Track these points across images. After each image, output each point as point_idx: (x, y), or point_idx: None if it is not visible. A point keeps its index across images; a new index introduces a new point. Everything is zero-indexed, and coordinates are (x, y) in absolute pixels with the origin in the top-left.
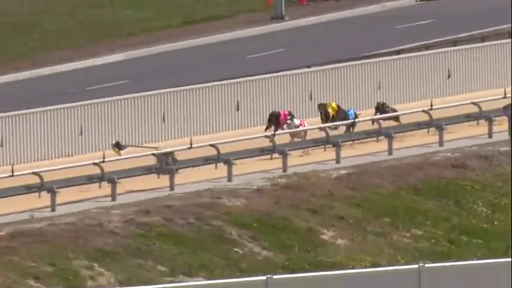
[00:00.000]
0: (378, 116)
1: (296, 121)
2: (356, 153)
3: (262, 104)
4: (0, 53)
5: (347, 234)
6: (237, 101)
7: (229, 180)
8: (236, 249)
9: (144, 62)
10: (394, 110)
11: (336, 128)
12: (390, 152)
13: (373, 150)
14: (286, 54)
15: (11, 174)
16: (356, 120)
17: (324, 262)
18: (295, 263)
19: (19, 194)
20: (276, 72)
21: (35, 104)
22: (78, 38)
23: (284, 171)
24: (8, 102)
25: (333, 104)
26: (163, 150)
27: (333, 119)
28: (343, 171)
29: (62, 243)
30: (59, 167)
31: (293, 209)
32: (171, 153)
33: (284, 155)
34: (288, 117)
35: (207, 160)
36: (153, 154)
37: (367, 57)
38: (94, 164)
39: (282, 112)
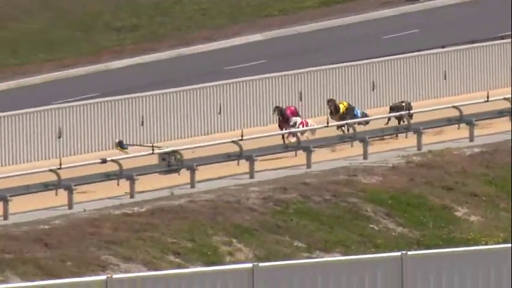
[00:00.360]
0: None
1: (298, 119)
2: (489, 132)
3: (398, 84)
4: (143, 34)
5: (480, 211)
6: (373, 82)
7: (365, 158)
8: (371, 226)
9: (282, 42)
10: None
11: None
12: None
13: (505, 129)
14: (419, 34)
15: (151, 152)
16: (367, 118)
17: (457, 238)
18: (429, 239)
19: (159, 172)
20: (411, 52)
21: (176, 84)
22: (219, 18)
23: (419, 149)
24: (149, 82)
25: (345, 103)
26: (166, 150)
27: (343, 116)
28: (476, 150)
29: (201, 220)
30: (198, 145)
31: (427, 187)
32: (174, 153)
33: (419, 134)
34: (291, 122)
35: (342, 139)
36: (152, 153)
37: (502, 37)
38: (233, 142)
39: (288, 109)
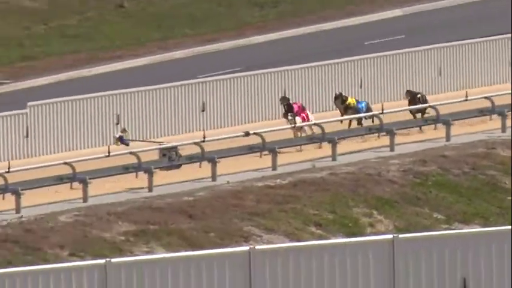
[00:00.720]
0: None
1: (298, 119)
2: None
3: None
4: (285, 10)
5: None
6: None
7: (503, 131)
8: (510, 198)
9: (421, 17)
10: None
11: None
12: None
13: None
14: None
15: (293, 125)
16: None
17: None
18: None
19: (302, 144)
20: None
21: (318, 58)
22: None
23: None
24: (291, 56)
25: (353, 99)
26: (167, 145)
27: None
28: None
29: (342, 192)
30: (337, 118)
31: None
32: (174, 148)
33: None
34: (289, 115)
35: (481, 112)
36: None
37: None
38: (373, 116)
39: (294, 105)
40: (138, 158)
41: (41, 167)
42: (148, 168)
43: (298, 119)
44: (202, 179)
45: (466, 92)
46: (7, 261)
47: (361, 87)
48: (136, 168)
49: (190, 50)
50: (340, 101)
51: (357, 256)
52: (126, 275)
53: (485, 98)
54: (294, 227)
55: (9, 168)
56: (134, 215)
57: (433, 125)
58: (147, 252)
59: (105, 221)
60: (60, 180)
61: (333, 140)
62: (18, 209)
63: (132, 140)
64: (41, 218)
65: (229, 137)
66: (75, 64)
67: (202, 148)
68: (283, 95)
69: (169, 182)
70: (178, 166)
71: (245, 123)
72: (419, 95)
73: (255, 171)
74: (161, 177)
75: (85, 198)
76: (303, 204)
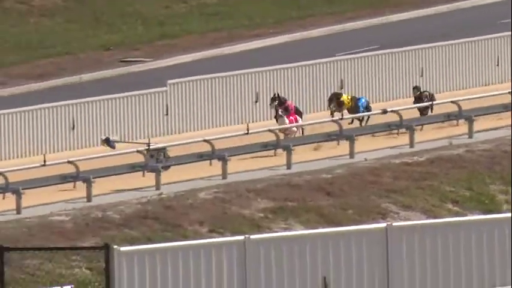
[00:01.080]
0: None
1: (286, 120)
2: None
3: None
4: None
5: None
6: None
7: None
8: None
9: None
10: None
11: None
12: None
13: None
14: None
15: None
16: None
17: None
18: None
19: (438, 122)
20: None
21: (454, 36)
22: None
23: None
24: (429, 34)
25: (348, 97)
26: (155, 146)
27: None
28: None
29: (479, 169)
30: (474, 96)
31: None
32: (163, 149)
33: None
34: (280, 111)
35: None
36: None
37: None
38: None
39: (289, 103)
40: (276, 135)
41: (179, 144)
42: (287, 146)
43: (285, 120)
44: (340, 156)
45: None
46: (147, 237)
47: (497, 65)
48: (275, 145)
49: (328, 28)
50: (335, 100)
51: (494, 232)
52: (265, 251)
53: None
54: (431, 204)
55: (148, 145)
56: (273, 192)
57: None
58: (285, 229)
59: (244, 198)
60: (200, 157)
61: (469, 118)
62: (158, 186)
63: (119, 142)
64: (181, 194)
65: (366, 114)
66: (215, 42)
67: (340, 126)
68: (275, 94)
69: (307, 159)
70: (167, 167)
71: (382, 101)
72: (425, 92)
73: (392, 148)
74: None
75: (224, 175)
76: (439, 181)
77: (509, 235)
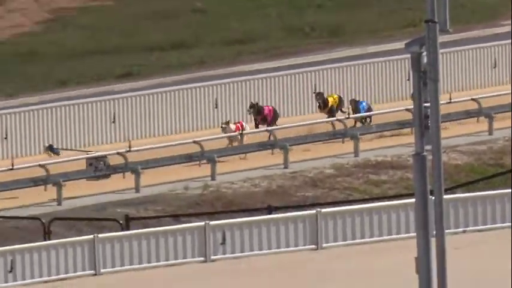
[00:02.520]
0: None
1: (232, 126)
2: None
3: None
4: None
5: None
6: None
7: None
8: None
9: None
10: None
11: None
12: None
13: None
14: None
15: None
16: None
17: None
18: None
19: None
20: None
21: None
22: None
23: None
24: None
25: (335, 96)
26: (95, 154)
27: (331, 110)
28: None
29: None
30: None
31: None
32: (103, 158)
33: None
34: (222, 124)
35: None
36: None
37: None
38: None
39: (266, 108)
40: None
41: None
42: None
43: (232, 126)
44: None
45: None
46: None
47: None
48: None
49: None
50: (321, 101)
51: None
52: None
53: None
54: None
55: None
56: None
57: None
58: None
59: None
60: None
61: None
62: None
63: (62, 149)
64: None
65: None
66: None
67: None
68: (252, 103)
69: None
70: (107, 176)
71: None
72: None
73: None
74: (87, 186)
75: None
76: None
77: None
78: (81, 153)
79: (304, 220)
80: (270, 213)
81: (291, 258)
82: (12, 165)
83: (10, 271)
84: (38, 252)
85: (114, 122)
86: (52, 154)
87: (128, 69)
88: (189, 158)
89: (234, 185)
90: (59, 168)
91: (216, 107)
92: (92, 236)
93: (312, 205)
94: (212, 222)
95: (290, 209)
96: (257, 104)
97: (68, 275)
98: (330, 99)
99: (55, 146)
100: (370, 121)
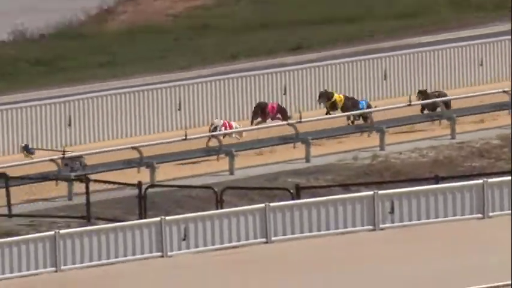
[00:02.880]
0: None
1: (219, 121)
2: None
3: None
4: None
5: None
6: None
7: None
8: None
9: None
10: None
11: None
12: None
13: None
14: None
15: None
16: (370, 110)
17: None
18: None
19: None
20: None
21: None
22: None
23: None
24: None
25: (341, 96)
26: (71, 154)
27: (334, 109)
28: None
29: None
30: None
31: None
32: (79, 158)
33: None
34: (224, 126)
35: None
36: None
37: None
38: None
39: (270, 104)
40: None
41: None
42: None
43: (219, 121)
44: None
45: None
46: None
47: None
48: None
49: None
50: (325, 98)
51: None
52: None
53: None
54: None
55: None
56: None
57: None
58: None
59: None
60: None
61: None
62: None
63: (37, 149)
64: None
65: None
66: None
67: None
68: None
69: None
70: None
71: None
72: (436, 93)
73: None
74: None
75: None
76: None
77: None
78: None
79: (471, 190)
80: (437, 183)
81: (458, 227)
82: (186, 135)
83: (184, 239)
84: (211, 221)
85: (285, 93)
86: (28, 154)
87: (298, 42)
88: (359, 128)
89: (402, 155)
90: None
91: (385, 79)
92: (263, 205)
93: (479, 175)
94: (381, 192)
95: (457, 179)
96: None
97: (240, 243)
98: (336, 98)
99: (30, 146)
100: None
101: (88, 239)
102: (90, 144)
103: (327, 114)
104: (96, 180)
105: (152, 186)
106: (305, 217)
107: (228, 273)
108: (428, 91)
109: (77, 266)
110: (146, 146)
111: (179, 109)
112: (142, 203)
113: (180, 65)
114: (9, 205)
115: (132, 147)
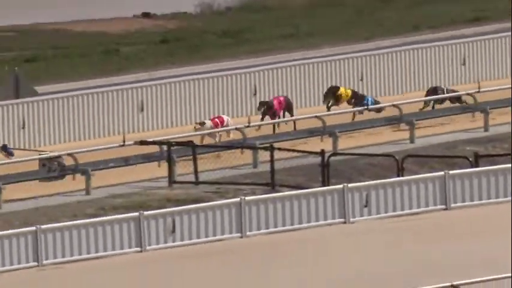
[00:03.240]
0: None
1: (208, 122)
2: None
3: None
4: None
5: None
6: None
7: None
8: None
9: None
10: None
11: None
12: None
13: None
14: None
15: None
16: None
17: None
18: None
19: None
20: None
21: None
22: None
23: None
24: None
25: (348, 90)
26: (48, 155)
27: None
28: None
29: None
30: None
31: None
32: (57, 158)
33: None
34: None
35: None
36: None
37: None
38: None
39: (276, 100)
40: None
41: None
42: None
43: (208, 123)
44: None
45: None
46: None
47: None
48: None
49: None
50: (331, 95)
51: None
52: None
53: None
54: None
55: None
56: None
57: None
58: None
59: None
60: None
61: None
62: None
63: (16, 149)
64: None
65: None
66: None
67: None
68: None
69: None
70: (62, 177)
71: None
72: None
73: None
74: (43, 187)
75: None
76: None
77: None
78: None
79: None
80: None
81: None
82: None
83: (365, 206)
84: (392, 188)
85: (464, 64)
86: (7, 155)
87: (477, 14)
88: None
89: None
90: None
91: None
92: (442, 173)
93: None
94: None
95: None
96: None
97: (420, 209)
98: (343, 92)
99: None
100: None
101: (272, 206)
102: None
103: (328, 108)
104: (280, 149)
105: (335, 154)
106: (483, 184)
107: (409, 240)
108: None
109: (261, 231)
110: (327, 115)
111: (361, 79)
112: (325, 171)
113: (364, 36)
114: (196, 173)
115: (316, 117)
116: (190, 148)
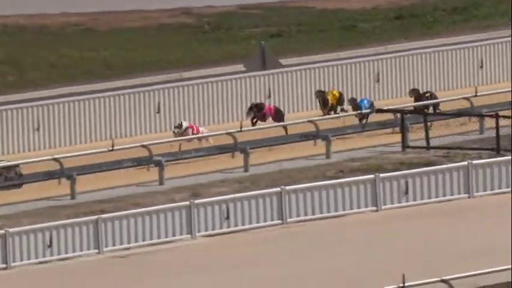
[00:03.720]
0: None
1: (185, 123)
2: None
3: None
4: None
5: None
6: None
7: None
8: None
9: None
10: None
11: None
12: None
13: None
14: None
15: None
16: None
17: None
18: None
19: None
20: None
21: None
22: None
23: None
24: None
25: (334, 92)
26: (4, 164)
27: (332, 108)
28: None
29: None
30: None
31: None
32: (15, 167)
33: None
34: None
35: None
36: None
37: None
38: None
39: (267, 107)
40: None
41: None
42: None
43: (185, 123)
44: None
45: None
46: None
47: None
48: None
49: None
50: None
51: None
52: None
53: None
54: None
55: None
56: None
57: None
58: None
59: None
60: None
61: None
62: None
63: None
64: None
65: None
66: None
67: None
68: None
69: None
70: (19, 185)
71: None
72: (427, 94)
73: None
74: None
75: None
76: None
77: None
78: None
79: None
80: None
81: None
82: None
83: None
84: None
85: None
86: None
87: None
88: None
89: None
90: None
91: None
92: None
93: None
94: None
95: None
96: (256, 104)
97: None
98: (330, 97)
99: None
100: (367, 120)
101: (497, 169)
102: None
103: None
104: (504, 117)
105: None
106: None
107: None
108: None
109: (487, 192)
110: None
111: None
112: None
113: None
114: (427, 139)
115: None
116: (422, 116)
